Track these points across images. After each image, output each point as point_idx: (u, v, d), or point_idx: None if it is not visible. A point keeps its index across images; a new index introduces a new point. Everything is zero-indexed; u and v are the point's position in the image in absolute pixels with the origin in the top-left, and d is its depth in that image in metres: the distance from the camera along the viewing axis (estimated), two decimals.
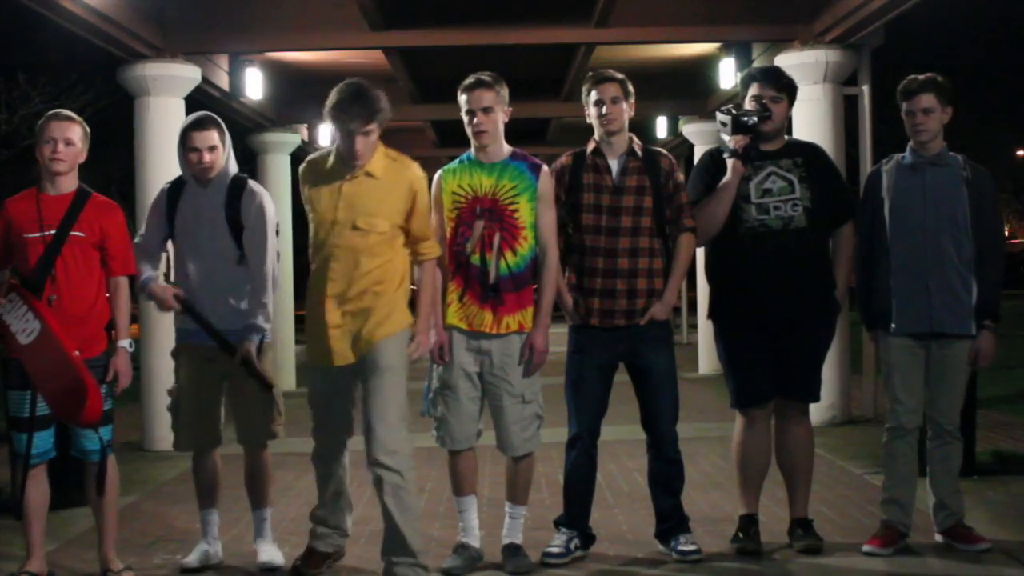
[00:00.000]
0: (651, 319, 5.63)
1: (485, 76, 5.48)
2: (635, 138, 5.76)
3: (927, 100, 5.63)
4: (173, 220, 5.67)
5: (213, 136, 5.61)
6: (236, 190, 5.64)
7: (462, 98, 5.48)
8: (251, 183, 5.75)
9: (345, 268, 5.13)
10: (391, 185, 5.16)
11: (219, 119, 5.71)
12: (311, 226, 5.26)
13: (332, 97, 5.07)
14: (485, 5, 10.84)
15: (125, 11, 9.62)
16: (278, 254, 5.70)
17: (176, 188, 5.75)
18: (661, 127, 17.80)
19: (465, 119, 5.50)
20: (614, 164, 5.68)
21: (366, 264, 5.12)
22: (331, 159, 5.22)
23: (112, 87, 14.01)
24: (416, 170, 5.26)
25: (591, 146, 5.73)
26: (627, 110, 5.70)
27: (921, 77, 5.68)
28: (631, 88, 5.72)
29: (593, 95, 5.67)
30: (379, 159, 5.18)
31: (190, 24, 10.63)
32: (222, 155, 5.64)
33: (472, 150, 5.57)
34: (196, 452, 5.80)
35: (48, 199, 5.40)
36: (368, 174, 5.16)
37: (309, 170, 5.31)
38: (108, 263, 5.45)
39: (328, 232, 5.17)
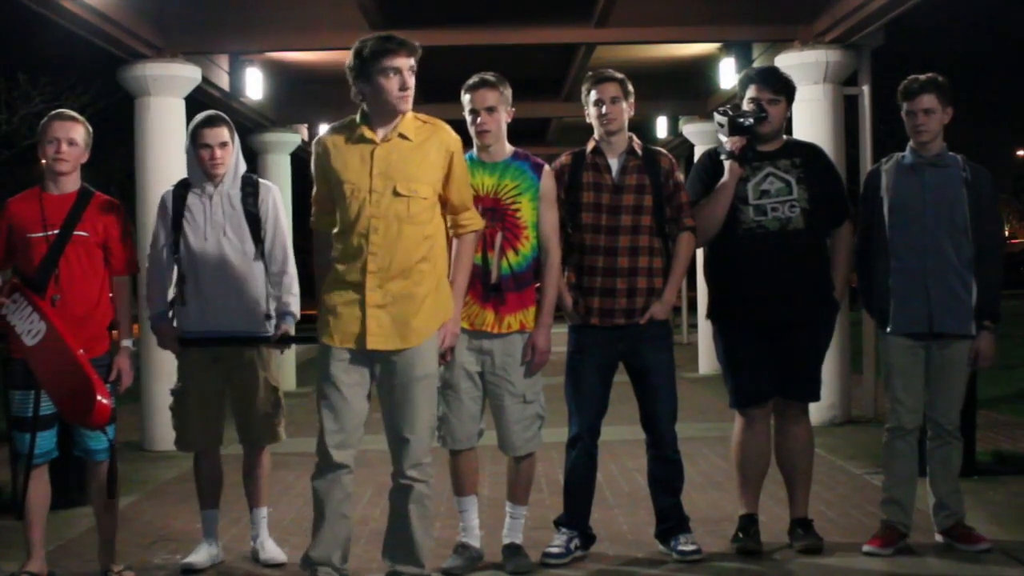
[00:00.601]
0: (651, 318, 5.63)
1: (489, 76, 5.47)
2: (635, 137, 5.76)
3: (928, 101, 5.64)
4: (180, 223, 5.67)
5: (224, 133, 5.66)
6: (250, 186, 5.71)
7: (466, 97, 5.47)
8: (262, 179, 5.84)
9: (387, 240, 4.77)
10: (426, 148, 4.87)
11: (228, 118, 5.75)
12: (339, 203, 4.86)
13: (364, 48, 4.79)
14: (485, 5, 10.84)
15: (125, 11, 9.62)
16: None
17: (180, 190, 5.76)
18: (661, 127, 17.81)
19: (468, 118, 5.49)
20: (614, 163, 5.68)
21: (411, 233, 4.80)
22: (355, 127, 4.90)
23: (112, 87, 14.01)
24: (450, 133, 4.96)
25: (591, 145, 5.72)
26: (627, 110, 5.69)
27: (922, 77, 5.67)
28: (631, 88, 5.71)
29: (593, 95, 5.67)
30: (410, 121, 4.89)
31: (190, 24, 10.63)
32: (232, 152, 5.68)
33: (474, 150, 5.55)
34: (198, 452, 5.80)
35: (51, 199, 5.39)
36: (402, 135, 4.86)
37: (328, 142, 4.93)
38: (111, 262, 5.45)
39: (364, 203, 4.80)
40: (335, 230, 4.92)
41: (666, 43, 12.43)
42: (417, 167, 4.85)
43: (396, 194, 4.80)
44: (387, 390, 4.92)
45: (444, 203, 4.99)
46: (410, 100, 4.83)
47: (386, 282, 4.80)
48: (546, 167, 5.58)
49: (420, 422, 4.89)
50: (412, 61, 4.80)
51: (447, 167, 4.92)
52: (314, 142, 5.04)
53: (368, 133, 4.86)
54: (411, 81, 4.80)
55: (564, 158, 5.77)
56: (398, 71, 4.76)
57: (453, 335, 5.09)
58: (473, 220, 5.14)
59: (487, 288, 5.42)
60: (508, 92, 5.49)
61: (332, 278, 4.91)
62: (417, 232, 4.83)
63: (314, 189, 5.06)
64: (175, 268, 5.72)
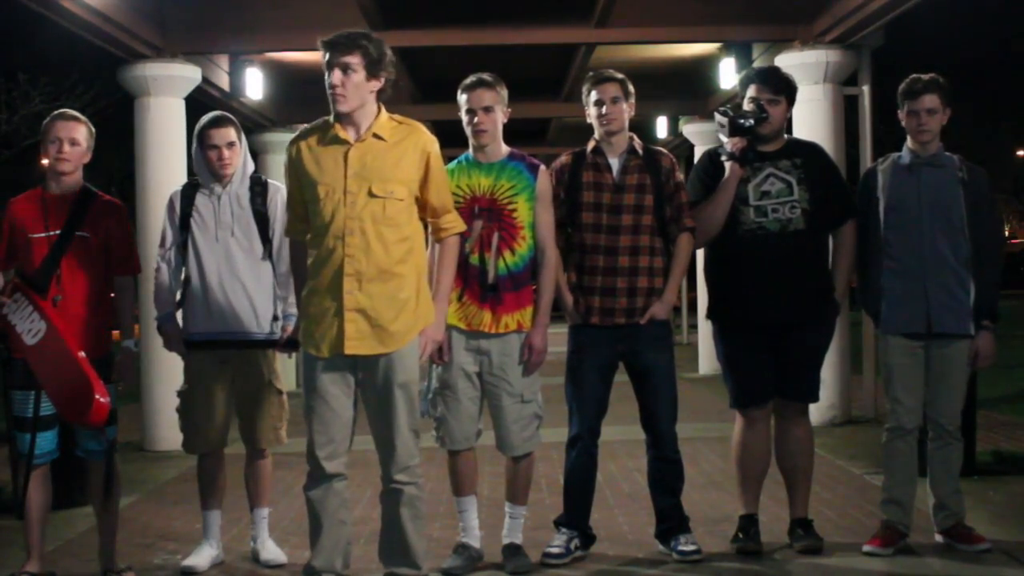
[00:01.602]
0: (651, 318, 5.62)
1: (486, 76, 5.46)
2: (635, 137, 5.74)
3: (930, 100, 5.64)
4: (188, 223, 5.66)
5: (231, 133, 5.65)
6: (259, 186, 5.72)
7: (462, 97, 5.46)
8: (270, 180, 5.82)
9: (364, 242, 4.70)
10: (402, 149, 4.81)
11: (234, 118, 5.76)
12: (313, 205, 4.80)
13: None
14: (485, 5, 10.82)
15: (125, 11, 9.61)
16: None
17: (189, 190, 5.75)
18: (661, 127, 17.81)
19: (464, 118, 5.47)
20: (615, 162, 5.67)
21: (388, 235, 4.74)
22: (328, 128, 4.85)
23: (112, 87, 14.01)
24: (426, 133, 4.91)
25: (591, 145, 5.72)
26: (627, 110, 5.68)
27: (925, 77, 5.67)
28: (631, 88, 5.71)
29: (593, 95, 5.66)
30: (384, 122, 4.83)
31: (190, 24, 10.62)
32: (240, 152, 5.68)
33: (470, 150, 5.53)
34: (204, 453, 5.80)
35: (53, 199, 5.37)
36: (376, 136, 4.79)
37: (301, 144, 4.88)
38: (112, 263, 5.44)
39: (339, 204, 4.72)
40: (310, 235, 4.87)
41: (666, 43, 12.42)
42: (392, 168, 4.79)
43: (371, 195, 4.74)
44: (369, 396, 4.87)
45: (424, 206, 4.93)
46: (343, 100, 4.73)
47: (364, 285, 4.73)
48: (542, 167, 5.55)
49: (403, 427, 4.83)
50: (352, 57, 4.70)
51: (424, 168, 4.86)
52: (287, 145, 4.98)
53: (342, 133, 4.80)
54: (338, 78, 4.69)
55: (564, 158, 5.76)
56: (329, 66, 4.70)
57: (434, 341, 5.01)
58: (455, 223, 5.09)
59: (484, 288, 5.40)
60: (504, 92, 5.48)
61: (310, 285, 4.84)
62: (394, 234, 4.76)
63: (286, 194, 5.05)
64: (183, 269, 5.71)
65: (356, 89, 4.73)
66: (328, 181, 4.77)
